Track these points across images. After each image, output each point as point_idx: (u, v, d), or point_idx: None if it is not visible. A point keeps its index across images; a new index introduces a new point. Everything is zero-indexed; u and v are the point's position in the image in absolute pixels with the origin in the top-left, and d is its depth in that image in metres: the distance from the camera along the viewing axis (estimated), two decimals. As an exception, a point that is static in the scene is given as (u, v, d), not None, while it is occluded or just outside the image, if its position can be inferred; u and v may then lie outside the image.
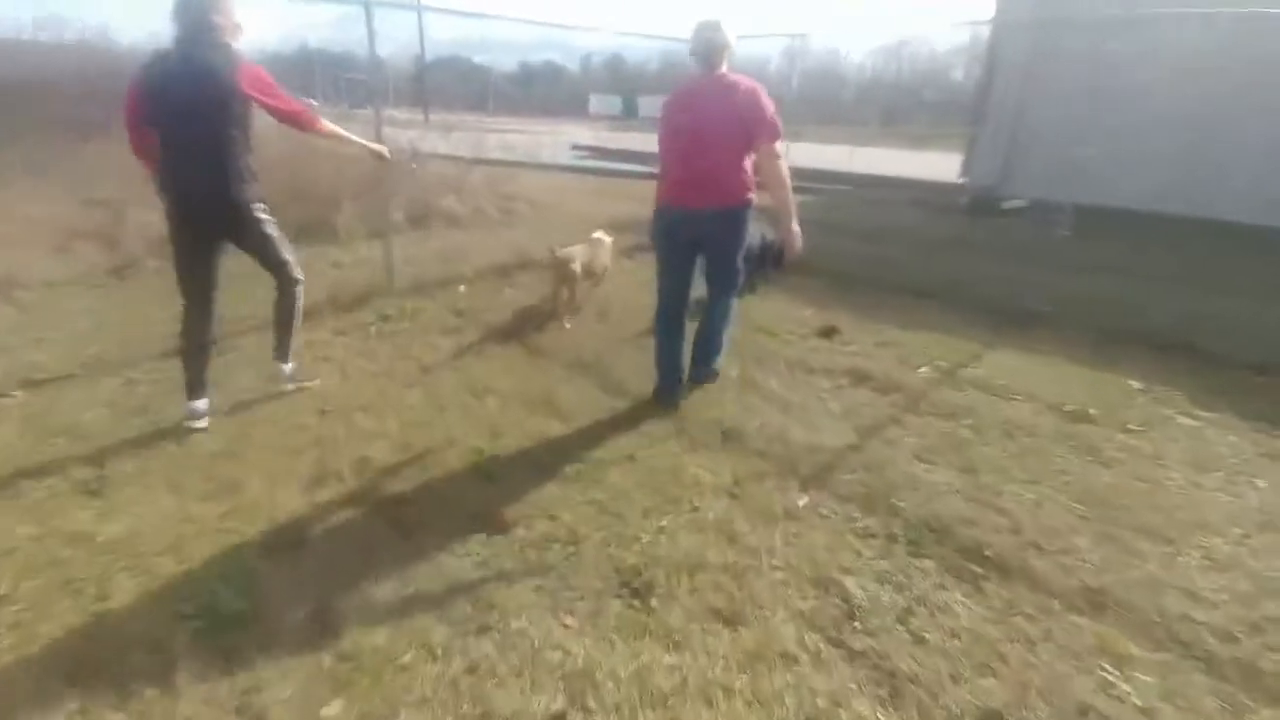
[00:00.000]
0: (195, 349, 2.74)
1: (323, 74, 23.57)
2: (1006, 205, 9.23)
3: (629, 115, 32.43)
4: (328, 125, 2.81)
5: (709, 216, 2.81)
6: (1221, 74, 7.48)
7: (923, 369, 3.59)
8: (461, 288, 4.84)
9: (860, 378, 3.44)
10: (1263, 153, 7.48)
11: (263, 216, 2.70)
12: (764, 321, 4.23)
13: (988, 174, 9.85)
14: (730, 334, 3.25)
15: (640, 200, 5.47)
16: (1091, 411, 3.10)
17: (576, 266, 4.07)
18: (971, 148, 10.52)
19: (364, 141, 3.22)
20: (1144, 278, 5.65)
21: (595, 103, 37.56)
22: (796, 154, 10.16)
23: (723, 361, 3.29)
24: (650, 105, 33.50)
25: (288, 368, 3.04)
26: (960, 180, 10.55)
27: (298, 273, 2.89)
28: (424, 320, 4.17)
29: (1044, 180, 8.96)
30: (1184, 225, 7.59)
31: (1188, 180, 7.87)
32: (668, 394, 3.09)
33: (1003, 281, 5.37)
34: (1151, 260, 6.33)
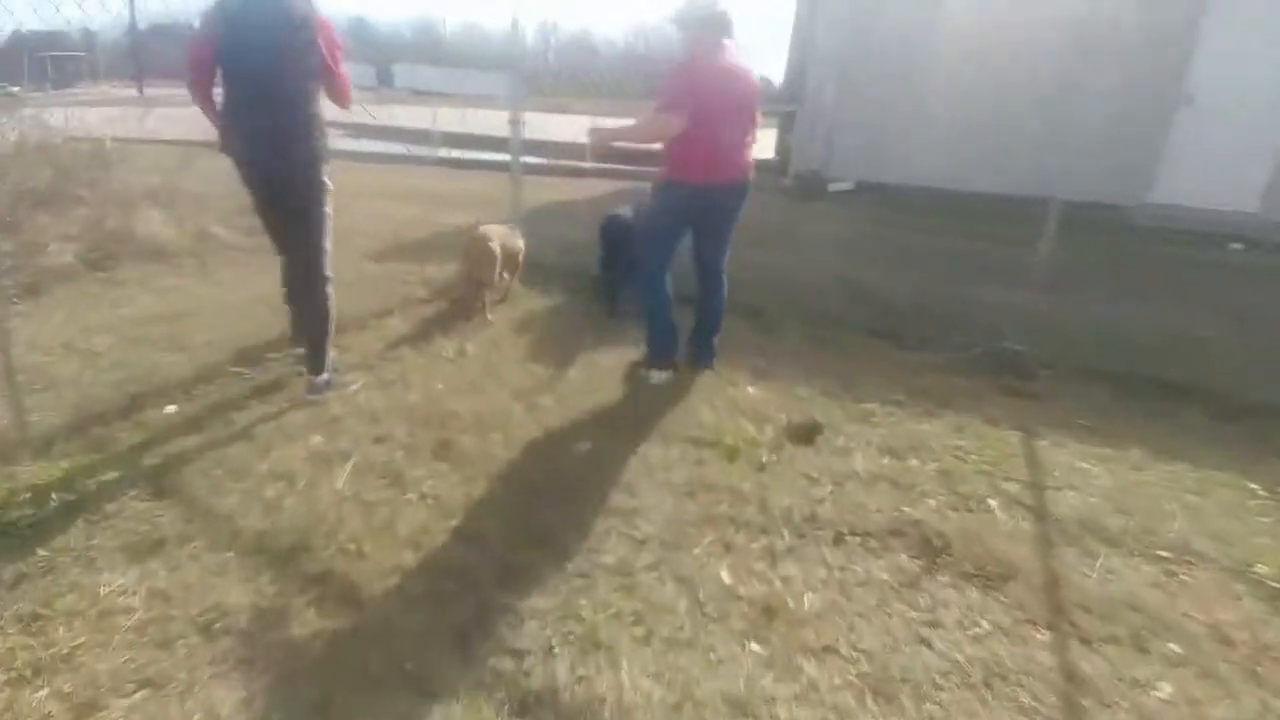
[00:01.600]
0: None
1: (31, 56, 21.16)
2: (833, 188, 8.88)
3: (385, 85, 28.86)
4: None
5: (734, 191, 2.98)
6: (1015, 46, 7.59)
7: (992, 503, 2.36)
8: (170, 408, 2.70)
9: (920, 548, 2.15)
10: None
11: (326, 182, 2.64)
12: (685, 420, 2.82)
13: (811, 156, 9.44)
14: None
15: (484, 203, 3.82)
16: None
17: (495, 247, 3.63)
18: (789, 128, 10.09)
19: None
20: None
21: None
22: (569, 130, 9.11)
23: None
24: (409, 75, 30.12)
25: (322, 379, 2.77)
26: (774, 158, 10.15)
27: (329, 268, 2.72)
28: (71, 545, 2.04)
29: (867, 162, 8.70)
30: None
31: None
32: (673, 352, 3.17)
33: (957, 301, 4.46)
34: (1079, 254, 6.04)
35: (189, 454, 2.40)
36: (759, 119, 2.99)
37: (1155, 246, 5.96)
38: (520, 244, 4.06)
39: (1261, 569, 2.09)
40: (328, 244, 2.72)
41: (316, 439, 2.51)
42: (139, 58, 20.71)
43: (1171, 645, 1.81)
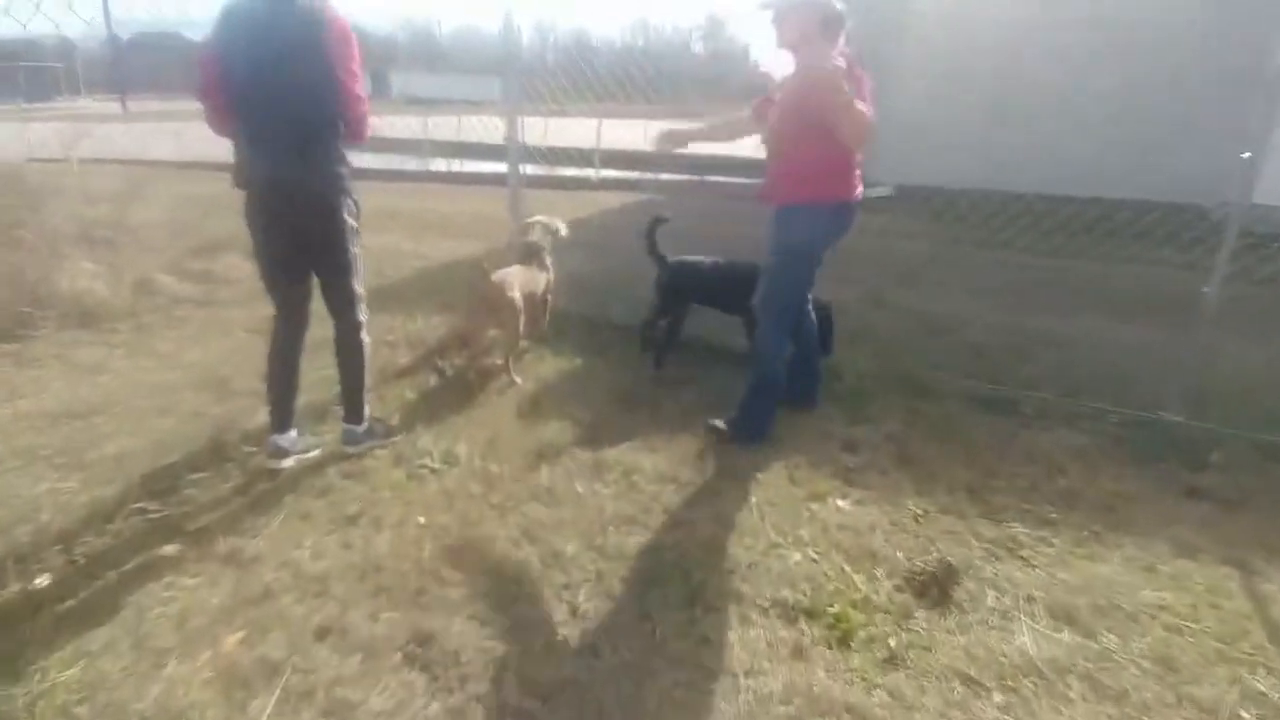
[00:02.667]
0: (284, 370, 2.39)
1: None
2: (871, 193, 8.04)
3: (380, 93, 28.12)
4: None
5: (857, 208, 2.51)
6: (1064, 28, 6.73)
7: None
8: (41, 579, 1.91)
9: None
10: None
11: (350, 222, 2.29)
12: (766, 566, 2.02)
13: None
14: None
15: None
16: None
17: (516, 295, 2.99)
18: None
19: None
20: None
21: None
22: (579, 134, 8.35)
23: None
24: (406, 82, 29.25)
25: (361, 428, 2.50)
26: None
27: (364, 313, 2.45)
28: None
29: (906, 164, 7.82)
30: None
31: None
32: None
33: (1063, 343, 3.64)
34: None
35: (47, 667, 1.61)
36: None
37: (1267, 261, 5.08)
38: (544, 277, 3.38)
39: None
40: (360, 287, 2.43)
41: (235, 636, 1.72)
42: (120, 69, 19.94)
43: None
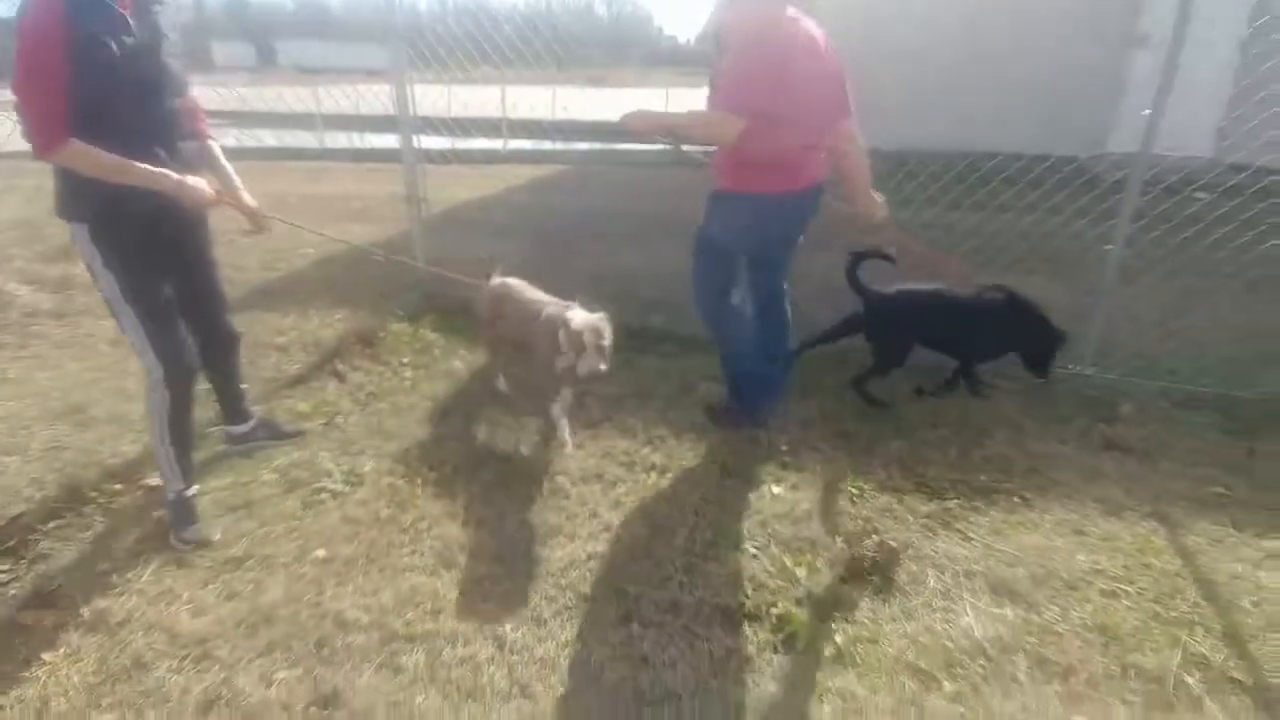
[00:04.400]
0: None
1: None
2: None
3: (266, 64, 26.00)
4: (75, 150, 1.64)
5: (818, 194, 2.26)
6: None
7: (1196, 688, 1.52)
8: None
9: None
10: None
11: (91, 257, 1.81)
12: (708, 569, 1.91)
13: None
14: None
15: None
16: None
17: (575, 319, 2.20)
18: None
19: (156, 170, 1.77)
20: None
21: (222, 52, 29.29)
22: (485, 103, 7.83)
23: None
24: (295, 50, 27.05)
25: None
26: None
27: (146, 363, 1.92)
28: None
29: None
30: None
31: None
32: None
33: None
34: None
35: None
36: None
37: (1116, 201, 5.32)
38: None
39: None
40: (129, 334, 1.91)
41: (97, 725, 1.45)
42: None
43: None
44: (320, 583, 1.81)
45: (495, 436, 2.50)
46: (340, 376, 2.92)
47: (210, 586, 1.81)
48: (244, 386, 2.35)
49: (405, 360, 3.05)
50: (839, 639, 1.65)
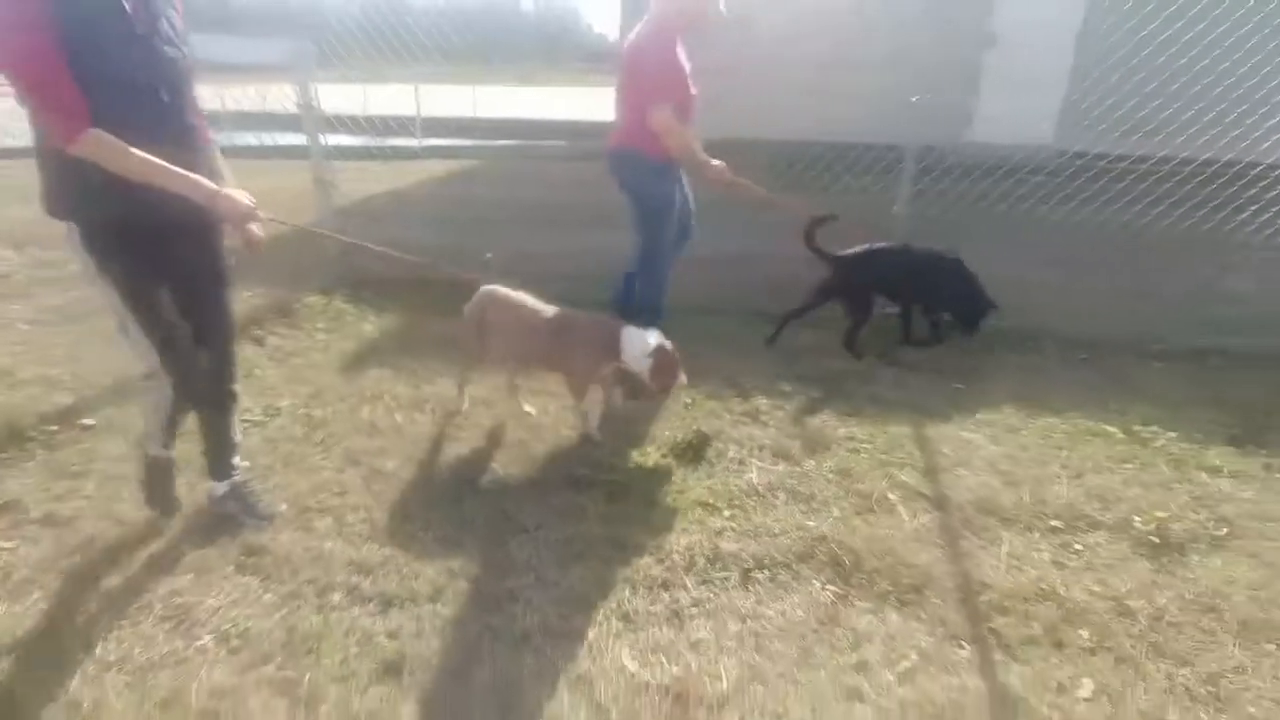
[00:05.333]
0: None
1: None
2: None
3: None
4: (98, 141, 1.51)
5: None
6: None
7: (892, 498, 2.19)
8: None
9: (832, 570, 1.93)
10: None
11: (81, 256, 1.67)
12: (560, 458, 2.47)
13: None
14: None
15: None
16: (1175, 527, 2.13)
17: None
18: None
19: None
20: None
21: None
22: (401, 99, 8.06)
23: None
24: (198, 45, 25.86)
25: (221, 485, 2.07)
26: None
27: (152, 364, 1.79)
28: None
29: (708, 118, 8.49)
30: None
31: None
32: None
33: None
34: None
35: None
36: (634, 81, 2.91)
37: (973, 186, 6.24)
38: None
39: (1138, 522, 2.13)
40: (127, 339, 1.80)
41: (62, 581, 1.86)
42: None
43: (1083, 632, 1.76)
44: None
45: (394, 377, 2.96)
46: (259, 341, 3.30)
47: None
48: (237, 439, 2.11)
49: (319, 326, 3.46)
50: (656, 494, 2.24)
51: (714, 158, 2.99)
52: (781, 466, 2.38)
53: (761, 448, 2.49)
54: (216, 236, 1.88)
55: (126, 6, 1.52)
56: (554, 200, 6.51)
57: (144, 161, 1.54)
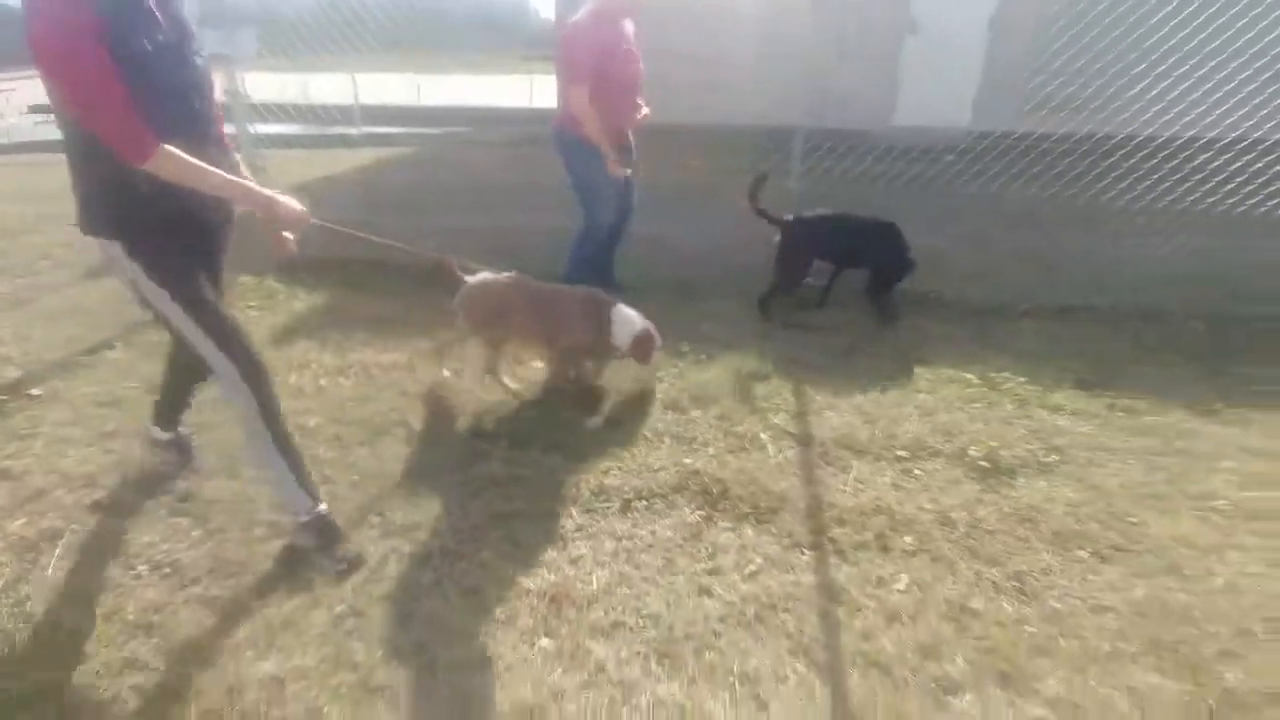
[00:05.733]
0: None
1: None
2: None
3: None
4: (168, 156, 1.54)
5: (630, 144, 3.42)
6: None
7: (764, 437, 2.50)
8: None
9: (702, 498, 2.25)
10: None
11: (138, 276, 1.69)
12: (466, 409, 2.72)
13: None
14: None
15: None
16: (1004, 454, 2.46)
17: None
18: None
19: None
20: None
21: None
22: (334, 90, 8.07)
23: None
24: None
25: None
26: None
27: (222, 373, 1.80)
28: None
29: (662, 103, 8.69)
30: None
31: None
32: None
33: (738, 245, 4.63)
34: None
35: None
36: (564, 65, 3.13)
37: (895, 167, 6.58)
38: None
39: (974, 451, 2.46)
40: (203, 352, 1.80)
41: (18, 521, 2.06)
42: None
43: (907, 539, 2.08)
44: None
45: (320, 348, 3.17)
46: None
47: (90, 448, 2.41)
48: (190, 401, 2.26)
49: (252, 304, 3.63)
50: (552, 440, 2.50)
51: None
52: (670, 415, 2.67)
53: (656, 401, 2.77)
54: (230, 235, 1.95)
55: (158, 16, 1.53)
56: (494, 183, 6.68)
57: (210, 173, 1.59)
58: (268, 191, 1.71)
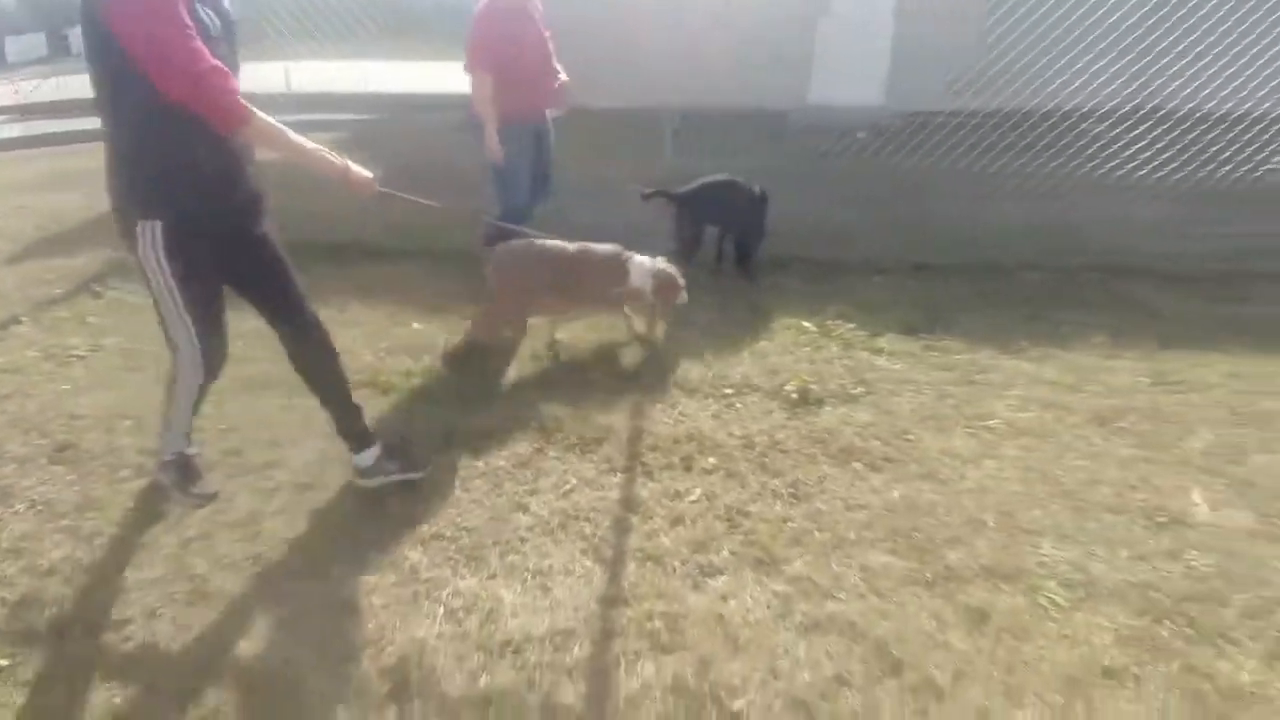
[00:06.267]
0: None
1: None
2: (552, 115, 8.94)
3: (58, 56, 23.96)
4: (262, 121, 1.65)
5: (546, 126, 3.56)
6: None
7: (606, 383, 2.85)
8: None
9: (539, 433, 2.55)
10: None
11: (149, 259, 1.73)
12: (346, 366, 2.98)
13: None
14: None
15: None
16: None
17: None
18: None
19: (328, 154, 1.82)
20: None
21: (14, 46, 26.84)
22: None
23: None
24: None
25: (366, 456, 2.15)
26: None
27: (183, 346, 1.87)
28: None
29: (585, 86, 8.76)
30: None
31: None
32: None
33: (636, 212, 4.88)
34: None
35: None
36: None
37: (807, 144, 6.85)
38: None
39: (790, 387, 2.77)
40: (172, 334, 1.89)
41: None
42: None
43: (711, 459, 2.38)
44: (68, 400, 2.67)
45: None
46: (97, 295, 3.65)
47: None
48: (358, 404, 2.19)
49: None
50: (413, 386, 2.76)
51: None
52: (532, 365, 2.94)
53: (524, 356, 3.04)
54: (269, 220, 1.94)
55: (209, 9, 1.61)
56: (418, 164, 6.81)
57: (294, 138, 1.70)
58: (341, 160, 1.83)
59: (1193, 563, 1.94)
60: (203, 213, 1.73)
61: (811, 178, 5.61)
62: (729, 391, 2.77)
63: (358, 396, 2.25)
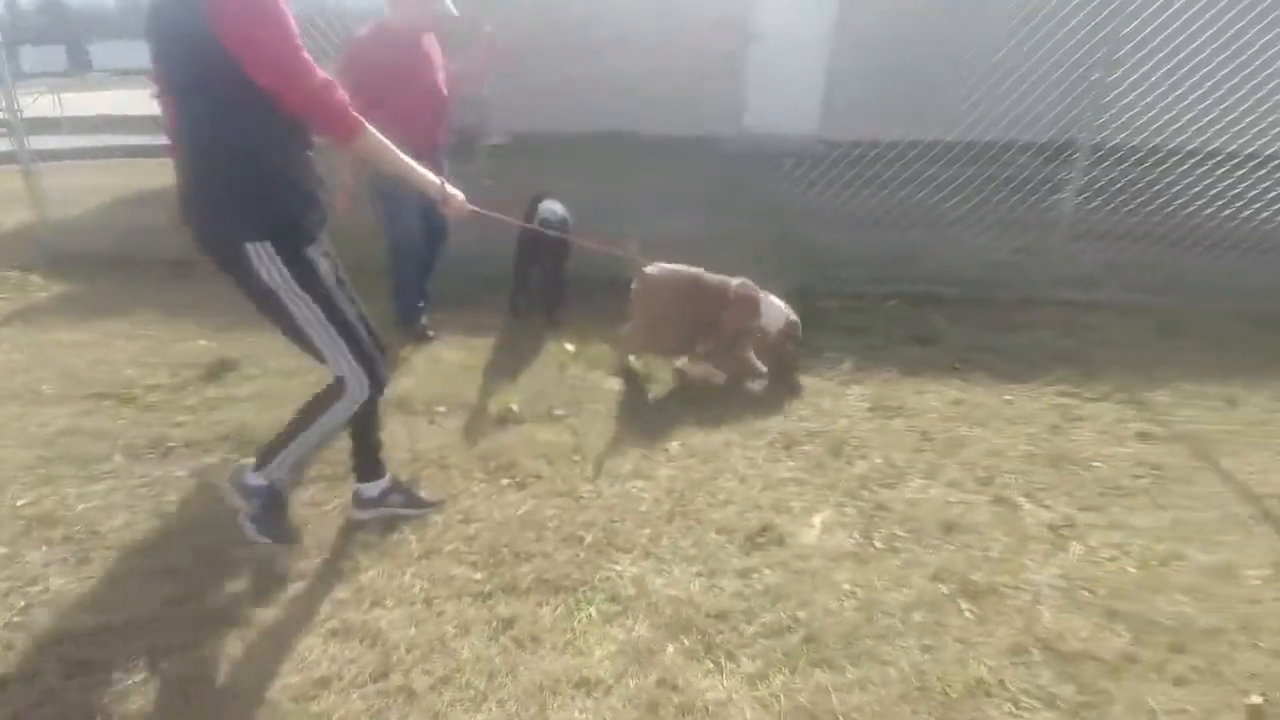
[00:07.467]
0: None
1: None
2: (494, 142, 9.06)
3: (78, 70, 25.51)
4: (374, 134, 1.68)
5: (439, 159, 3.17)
6: None
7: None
8: None
9: (235, 447, 2.68)
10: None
11: (268, 277, 1.68)
12: (106, 379, 3.18)
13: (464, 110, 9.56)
14: None
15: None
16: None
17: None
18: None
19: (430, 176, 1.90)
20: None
21: (32, 57, 28.29)
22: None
23: None
24: (110, 53, 26.21)
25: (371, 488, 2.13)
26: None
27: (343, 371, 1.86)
28: None
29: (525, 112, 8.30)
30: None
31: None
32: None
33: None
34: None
35: None
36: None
37: (734, 169, 6.88)
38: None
39: (493, 408, 2.86)
40: (325, 350, 1.80)
41: None
42: None
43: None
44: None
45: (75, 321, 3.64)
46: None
47: None
48: (381, 435, 2.15)
49: (2, 295, 4.12)
50: (150, 400, 2.95)
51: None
52: (264, 381, 3.10)
53: (269, 372, 3.19)
54: (229, 262, 1.75)
55: None
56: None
57: (399, 155, 1.73)
58: (438, 179, 1.88)
59: (754, 582, 1.96)
60: (304, 223, 1.70)
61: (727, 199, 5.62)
62: (440, 410, 2.87)
63: (101, 405, 2.38)
